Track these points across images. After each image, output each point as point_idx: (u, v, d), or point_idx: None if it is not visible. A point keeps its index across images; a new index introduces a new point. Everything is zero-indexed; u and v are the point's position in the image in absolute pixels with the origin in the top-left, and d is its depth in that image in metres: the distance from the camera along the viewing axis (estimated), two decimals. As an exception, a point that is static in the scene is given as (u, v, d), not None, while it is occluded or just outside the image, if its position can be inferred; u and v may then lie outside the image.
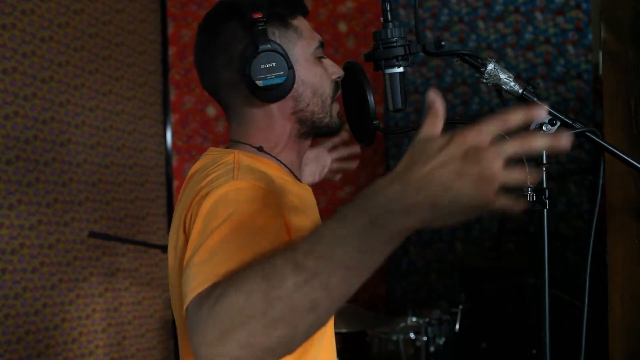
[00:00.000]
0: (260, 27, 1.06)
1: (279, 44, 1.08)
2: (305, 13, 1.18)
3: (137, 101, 3.26)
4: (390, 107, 1.06)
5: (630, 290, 1.56)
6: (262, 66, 1.06)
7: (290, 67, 1.08)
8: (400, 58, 1.03)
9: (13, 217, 2.46)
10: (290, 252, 0.72)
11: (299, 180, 1.21)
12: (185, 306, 0.80)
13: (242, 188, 0.94)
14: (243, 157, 1.06)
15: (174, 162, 3.49)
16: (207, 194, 0.93)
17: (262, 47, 1.06)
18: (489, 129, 0.67)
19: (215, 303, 0.73)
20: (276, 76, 1.07)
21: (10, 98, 2.47)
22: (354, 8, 3.80)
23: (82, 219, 2.82)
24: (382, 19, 1.04)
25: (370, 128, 1.12)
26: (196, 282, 0.80)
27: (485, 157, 0.65)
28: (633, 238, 1.55)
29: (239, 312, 0.71)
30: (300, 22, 1.15)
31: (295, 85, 1.10)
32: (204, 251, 0.84)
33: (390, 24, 1.03)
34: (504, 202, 0.66)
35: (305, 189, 1.20)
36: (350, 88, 1.19)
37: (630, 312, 1.56)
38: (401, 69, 1.04)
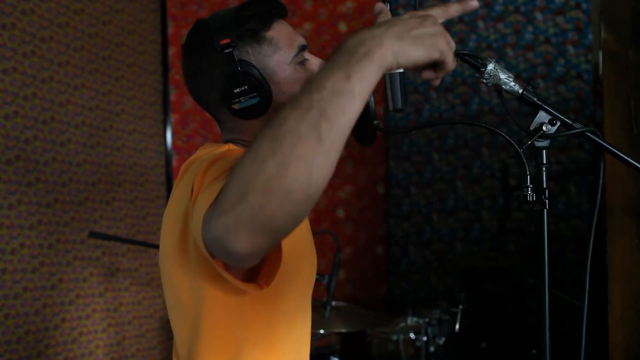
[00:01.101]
0: (227, 53, 1.09)
1: (250, 64, 1.10)
2: (282, 16, 1.18)
3: (137, 101, 3.26)
4: (390, 107, 1.06)
5: (630, 290, 1.56)
6: (235, 90, 1.09)
7: (262, 86, 1.09)
8: (400, 58, 1.03)
9: (13, 217, 2.46)
10: (288, 104, 0.78)
11: None
12: (200, 228, 0.81)
13: (236, 150, 1.00)
14: (238, 148, 1.09)
15: (174, 162, 3.49)
16: (207, 164, 0.96)
17: (231, 73, 1.09)
18: (434, 12, 0.89)
19: (227, 181, 0.76)
20: (250, 97, 1.09)
21: (10, 98, 2.47)
22: (354, 8, 3.80)
23: (82, 219, 2.82)
24: (382, 19, 1.04)
25: (370, 128, 1.12)
26: (205, 202, 0.82)
27: (433, 18, 0.87)
28: (633, 238, 1.55)
29: (252, 163, 0.74)
30: (276, 31, 1.15)
31: (275, 97, 1.11)
32: (208, 184, 0.89)
33: (390, 24, 1.03)
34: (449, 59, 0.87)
35: None
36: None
37: (630, 311, 1.56)
38: (401, 69, 1.04)
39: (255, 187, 0.72)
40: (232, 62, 1.09)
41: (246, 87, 1.09)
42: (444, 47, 0.85)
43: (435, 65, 0.90)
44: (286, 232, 0.77)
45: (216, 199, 0.78)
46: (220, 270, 0.90)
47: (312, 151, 0.74)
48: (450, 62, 0.88)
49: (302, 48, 1.17)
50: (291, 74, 1.14)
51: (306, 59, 1.18)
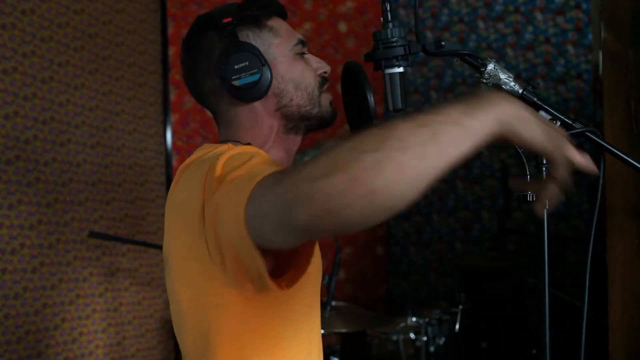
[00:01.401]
0: (229, 30, 1.11)
1: (250, 44, 1.12)
2: (282, 15, 1.21)
3: (137, 101, 3.26)
4: (390, 107, 1.06)
5: (630, 290, 1.56)
6: (236, 66, 1.10)
7: (264, 64, 1.11)
8: (400, 58, 1.03)
9: (13, 217, 2.46)
10: (403, 119, 0.78)
11: None
12: (243, 205, 0.81)
13: (246, 151, 1.00)
14: (236, 147, 1.08)
15: (174, 162, 3.49)
16: (214, 164, 0.95)
17: (232, 48, 1.10)
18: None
19: (317, 158, 0.74)
20: (250, 74, 1.10)
21: (10, 98, 2.47)
22: (354, 8, 3.80)
23: (82, 219, 2.82)
24: (382, 19, 1.04)
25: (371, 128, 1.12)
26: (243, 186, 0.83)
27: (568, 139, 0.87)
28: (633, 238, 1.55)
29: (350, 150, 0.73)
30: (275, 22, 1.18)
31: (275, 82, 1.13)
32: (234, 175, 0.90)
33: (390, 24, 1.03)
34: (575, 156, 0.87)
35: None
36: (350, 88, 1.19)
37: (630, 312, 1.56)
38: (401, 69, 1.04)
39: (346, 170, 0.71)
40: (234, 39, 1.11)
41: (247, 62, 1.10)
42: (562, 148, 0.84)
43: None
44: (348, 228, 0.74)
45: (291, 170, 0.77)
46: (253, 251, 0.85)
47: (411, 164, 0.73)
48: (560, 169, 0.86)
49: (301, 42, 1.19)
50: (290, 61, 1.16)
51: (305, 53, 1.20)
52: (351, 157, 0.72)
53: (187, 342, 1.08)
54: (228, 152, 0.99)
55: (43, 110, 2.64)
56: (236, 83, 1.10)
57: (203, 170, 0.97)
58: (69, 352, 2.70)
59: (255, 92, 1.12)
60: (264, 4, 1.18)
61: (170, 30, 3.53)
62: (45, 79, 2.65)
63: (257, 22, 1.15)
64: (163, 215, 3.34)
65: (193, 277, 1.02)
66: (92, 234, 2.48)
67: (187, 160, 1.10)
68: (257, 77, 1.10)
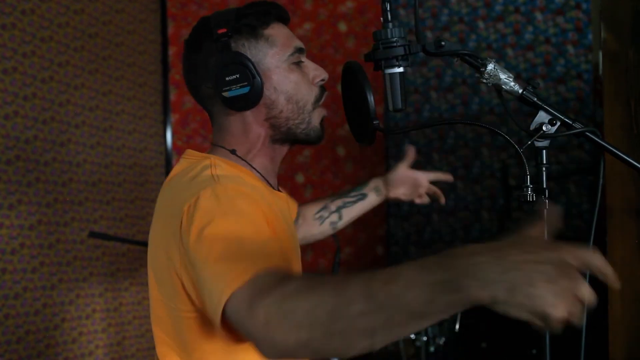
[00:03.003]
0: (222, 41, 1.13)
1: (244, 55, 1.13)
2: (283, 20, 1.22)
3: (137, 101, 3.26)
4: (390, 107, 1.06)
5: (630, 290, 1.56)
6: (227, 78, 1.12)
7: (255, 76, 1.12)
8: (400, 58, 1.03)
9: (13, 217, 2.46)
10: (367, 279, 0.76)
11: (272, 186, 1.23)
12: (222, 301, 0.86)
13: (229, 188, 1.01)
14: (219, 162, 1.11)
15: (174, 162, 3.49)
16: (197, 198, 0.99)
17: (224, 61, 1.12)
18: (589, 256, 0.70)
19: (283, 300, 0.79)
20: (241, 87, 1.12)
21: (10, 98, 2.47)
22: (354, 8, 3.80)
23: (82, 219, 2.82)
24: (382, 19, 1.04)
25: (370, 128, 1.12)
26: (229, 278, 0.86)
27: (579, 278, 0.67)
28: (633, 238, 1.55)
29: (305, 316, 0.77)
30: (274, 30, 1.18)
31: (267, 93, 1.15)
32: (216, 249, 0.91)
33: (390, 24, 1.03)
34: (577, 319, 0.68)
35: (279, 196, 1.24)
36: (350, 88, 1.19)
37: (630, 312, 1.56)
38: (401, 69, 1.04)
39: (299, 335, 0.77)
40: (227, 51, 1.13)
41: (237, 75, 1.12)
42: (556, 315, 0.66)
43: None
44: None
45: (258, 292, 0.82)
46: (217, 323, 0.90)
47: (358, 340, 0.76)
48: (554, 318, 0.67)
49: (299, 50, 1.19)
50: (285, 71, 1.17)
51: (302, 61, 1.20)
52: (304, 323, 0.77)
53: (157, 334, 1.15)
54: (209, 188, 1.01)
55: (43, 110, 2.64)
56: (226, 94, 1.13)
57: (181, 202, 1.01)
58: (69, 352, 2.70)
59: (245, 103, 1.14)
60: (262, 11, 1.18)
61: (170, 30, 3.53)
62: (45, 79, 2.65)
63: (254, 32, 1.16)
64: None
65: (164, 284, 1.08)
66: (92, 234, 2.48)
67: (172, 173, 1.15)
68: (246, 90, 1.12)
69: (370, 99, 1.11)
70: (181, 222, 0.99)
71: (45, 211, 2.62)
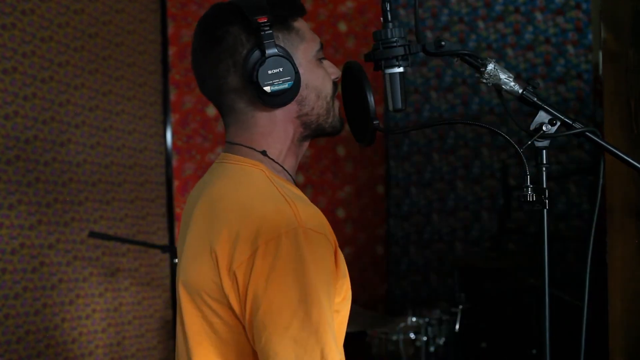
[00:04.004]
0: (267, 32, 1.05)
1: (284, 49, 1.07)
2: (303, 13, 1.16)
3: (137, 101, 3.26)
4: (390, 107, 1.06)
5: (630, 290, 1.56)
6: (270, 72, 1.05)
7: (297, 71, 1.07)
8: (400, 58, 1.03)
9: (13, 217, 2.46)
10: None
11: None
12: None
13: (311, 237, 0.99)
14: (273, 176, 1.08)
15: (174, 162, 3.49)
16: (279, 240, 0.97)
17: (269, 53, 1.05)
18: None
19: None
20: (284, 81, 1.06)
21: (10, 98, 2.47)
22: (354, 8, 3.80)
23: (82, 219, 2.82)
24: (382, 19, 1.04)
25: (370, 128, 1.12)
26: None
27: None
28: (633, 238, 1.55)
29: None
30: (300, 23, 1.13)
31: (299, 90, 1.09)
32: (294, 318, 0.94)
33: (390, 24, 1.03)
34: None
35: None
36: (350, 88, 1.19)
37: (630, 312, 1.56)
38: (401, 69, 1.04)
39: None
40: (270, 41, 1.05)
41: (281, 69, 1.05)
42: None
43: None
44: None
45: None
46: None
47: None
48: None
49: (322, 46, 1.16)
50: (313, 67, 1.12)
51: (324, 58, 1.17)
52: None
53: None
54: (291, 231, 0.98)
55: (43, 110, 2.64)
56: (268, 89, 1.05)
57: (255, 226, 0.98)
58: (69, 352, 2.70)
59: (282, 99, 1.08)
60: (290, 2, 1.12)
61: (170, 30, 3.53)
62: (45, 79, 2.65)
63: (286, 24, 1.10)
64: (163, 215, 3.34)
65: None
66: (92, 234, 2.48)
67: (211, 179, 1.12)
68: (290, 84, 1.06)
69: (370, 99, 1.11)
70: (255, 252, 0.97)
71: (45, 211, 2.62)
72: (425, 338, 2.71)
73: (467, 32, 3.68)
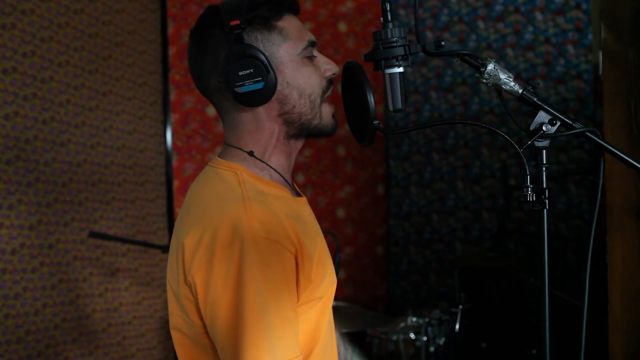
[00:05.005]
0: (236, 34, 1.08)
1: (257, 49, 1.09)
2: (294, 11, 1.18)
3: (137, 101, 3.26)
4: (390, 107, 1.06)
5: (630, 290, 1.56)
6: (240, 73, 1.08)
7: (269, 71, 1.08)
8: (400, 58, 1.03)
9: (13, 217, 2.46)
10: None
11: (290, 185, 1.21)
12: None
13: (260, 244, 1.02)
14: (248, 179, 1.11)
15: (174, 162, 3.49)
16: (214, 237, 1.02)
17: (238, 54, 1.08)
18: None
19: None
20: (255, 82, 1.08)
21: (10, 98, 2.47)
22: (354, 8, 3.80)
23: (82, 219, 2.82)
24: (382, 19, 1.04)
25: (370, 128, 1.12)
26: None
27: None
28: (633, 238, 1.55)
29: None
30: (287, 22, 1.15)
31: (279, 88, 1.11)
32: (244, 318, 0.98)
33: (390, 24, 1.03)
34: None
35: (300, 202, 1.21)
36: (350, 88, 1.19)
37: (630, 312, 1.56)
38: (401, 69, 1.04)
39: None
40: (240, 44, 1.08)
41: (251, 70, 1.08)
42: None
43: None
44: None
45: None
46: None
47: None
48: None
49: (312, 43, 1.17)
50: (298, 65, 1.14)
51: (314, 55, 1.17)
52: None
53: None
54: (243, 241, 1.01)
55: (43, 110, 2.64)
56: (239, 90, 1.08)
57: (207, 241, 1.02)
58: (69, 352, 2.70)
59: (257, 99, 1.10)
60: (275, 1, 1.14)
61: (170, 30, 3.53)
62: (45, 79, 2.65)
63: (267, 24, 1.12)
64: (163, 215, 3.34)
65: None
66: (92, 234, 2.48)
67: (199, 183, 1.15)
68: (260, 85, 1.08)
69: (370, 99, 1.11)
70: (207, 258, 1.02)
71: (45, 211, 2.62)
72: (425, 338, 2.71)
73: (467, 32, 3.68)
